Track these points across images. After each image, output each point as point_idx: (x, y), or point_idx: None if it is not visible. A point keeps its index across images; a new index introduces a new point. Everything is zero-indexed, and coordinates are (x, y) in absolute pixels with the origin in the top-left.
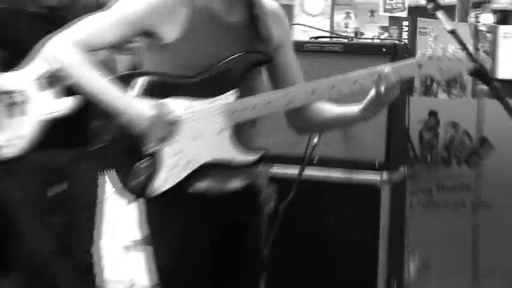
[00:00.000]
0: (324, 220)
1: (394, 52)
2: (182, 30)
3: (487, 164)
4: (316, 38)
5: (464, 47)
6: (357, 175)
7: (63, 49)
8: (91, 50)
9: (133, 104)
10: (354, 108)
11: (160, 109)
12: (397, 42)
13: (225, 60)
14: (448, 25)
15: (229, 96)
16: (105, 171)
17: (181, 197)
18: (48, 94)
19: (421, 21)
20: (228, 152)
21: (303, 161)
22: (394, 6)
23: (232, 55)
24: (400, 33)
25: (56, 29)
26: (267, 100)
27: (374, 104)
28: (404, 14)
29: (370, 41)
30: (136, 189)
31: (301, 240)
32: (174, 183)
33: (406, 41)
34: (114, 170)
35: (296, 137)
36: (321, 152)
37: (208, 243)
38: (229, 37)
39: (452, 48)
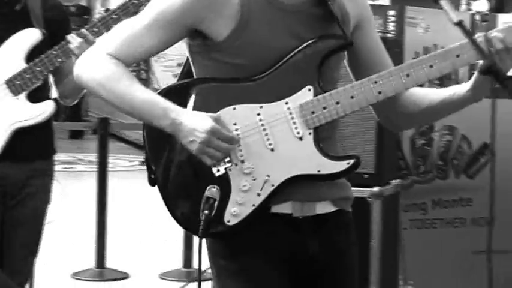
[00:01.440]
0: None
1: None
2: (236, 23)
3: (489, 175)
4: None
5: (473, 42)
6: None
7: (96, 63)
8: (128, 60)
9: (187, 118)
10: (460, 89)
11: (219, 119)
12: (384, 36)
13: (295, 51)
14: (454, 16)
15: (305, 94)
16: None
17: (260, 227)
18: (21, 99)
19: (410, 10)
20: (313, 162)
21: None
22: None
23: (302, 44)
24: (385, 24)
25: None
26: (351, 93)
27: (485, 78)
28: (387, 1)
29: None
30: (207, 223)
31: None
32: (251, 210)
33: (393, 33)
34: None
35: None
36: None
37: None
38: (295, 23)
39: None
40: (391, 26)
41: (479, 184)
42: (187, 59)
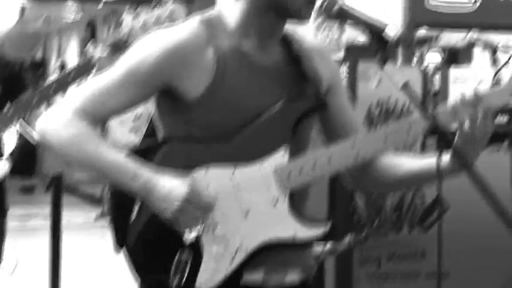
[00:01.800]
0: None
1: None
2: (211, 80)
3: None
4: None
5: (417, 103)
6: None
7: (60, 122)
8: (96, 120)
9: (159, 183)
10: (445, 157)
11: (194, 185)
12: None
13: (269, 112)
14: (398, 81)
15: (281, 156)
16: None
17: None
18: None
19: (362, 64)
20: (289, 227)
21: None
22: (329, 46)
23: (275, 103)
24: None
25: None
26: (328, 155)
27: (468, 146)
28: (340, 55)
29: None
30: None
31: None
32: (223, 277)
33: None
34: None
35: None
36: None
37: None
38: (269, 83)
39: None
40: (344, 80)
41: (434, 237)
42: (152, 117)
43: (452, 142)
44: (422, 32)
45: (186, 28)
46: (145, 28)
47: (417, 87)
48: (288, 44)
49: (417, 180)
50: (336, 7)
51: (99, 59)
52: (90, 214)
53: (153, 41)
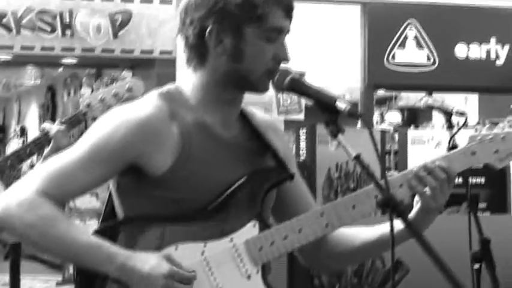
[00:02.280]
0: None
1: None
2: (177, 156)
3: None
4: None
5: (369, 174)
6: None
7: (25, 203)
8: (62, 199)
9: (137, 264)
10: (395, 226)
11: (171, 260)
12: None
13: (238, 185)
14: (351, 151)
15: (251, 229)
16: None
17: None
18: None
19: (321, 128)
20: None
21: None
22: (289, 108)
23: (242, 176)
24: (298, 142)
25: None
26: (299, 226)
27: (423, 214)
28: (301, 117)
29: None
30: None
31: None
32: None
33: (304, 151)
34: None
35: None
36: None
37: None
38: (235, 156)
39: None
40: (303, 144)
41: None
42: (110, 197)
43: (404, 212)
44: (381, 92)
45: (149, 103)
46: (103, 102)
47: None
48: (245, 118)
49: (375, 248)
50: (288, 79)
51: (56, 134)
52: (51, 282)
53: (118, 117)
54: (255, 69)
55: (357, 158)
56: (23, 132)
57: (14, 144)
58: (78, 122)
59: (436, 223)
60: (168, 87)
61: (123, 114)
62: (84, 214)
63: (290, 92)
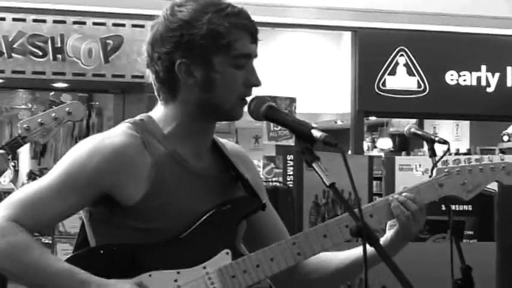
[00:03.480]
0: None
1: (276, 197)
2: (150, 186)
3: None
4: None
5: (344, 202)
6: None
7: None
8: (34, 228)
9: None
10: (368, 251)
11: (145, 286)
12: (279, 184)
13: (210, 214)
14: (326, 179)
15: (223, 257)
16: None
17: None
18: None
19: None
20: None
21: None
22: (280, 133)
23: (214, 206)
24: (285, 167)
25: None
26: (271, 255)
27: (395, 241)
28: (291, 142)
29: None
30: None
31: None
32: None
33: (291, 177)
34: None
35: None
36: None
37: None
38: (205, 186)
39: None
40: (290, 170)
41: None
42: (82, 227)
43: (377, 241)
44: (373, 119)
45: (122, 132)
46: (42, 126)
47: (364, 176)
48: (216, 147)
49: (349, 273)
50: (264, 107)
51: None
52: None
53: (92, 145)
54: (228, 98)
55: (331, 186)
56: (14, 155)
57: None
58: (18, 146)
59: (420, 250)
60: (140, 116)
61: (97, 142)
62: (74, 238)
63: (267, 120)
